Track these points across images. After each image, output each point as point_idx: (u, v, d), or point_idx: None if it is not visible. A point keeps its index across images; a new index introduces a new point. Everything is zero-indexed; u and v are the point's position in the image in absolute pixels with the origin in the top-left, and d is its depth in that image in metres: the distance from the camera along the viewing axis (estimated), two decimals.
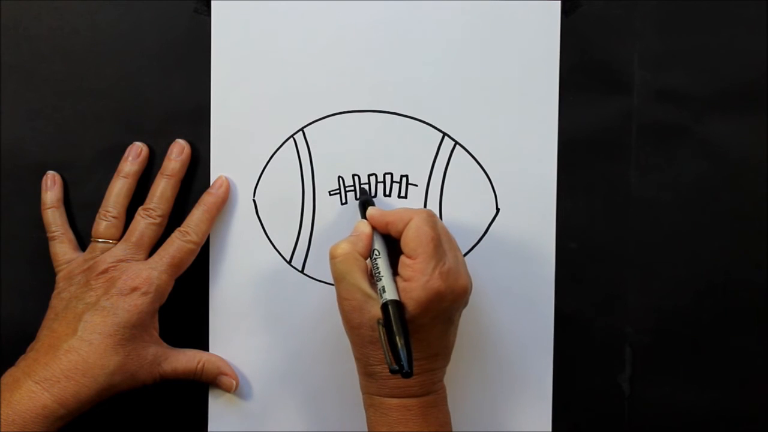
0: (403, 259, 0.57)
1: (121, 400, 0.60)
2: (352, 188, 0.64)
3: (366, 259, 0.58)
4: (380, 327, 0.55)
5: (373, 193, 0.64)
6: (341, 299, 0.58)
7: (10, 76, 0.64)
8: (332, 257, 0.58)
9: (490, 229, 0.64)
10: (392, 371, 0.53)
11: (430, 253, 0.55)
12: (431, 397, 0.58)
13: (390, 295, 0.55)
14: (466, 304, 0.58)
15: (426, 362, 0.57)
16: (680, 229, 0.64)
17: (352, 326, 0.58)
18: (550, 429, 0.65)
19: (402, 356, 0.53)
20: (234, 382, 0.64)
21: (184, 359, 0.62)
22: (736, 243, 0.64)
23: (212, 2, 0.63)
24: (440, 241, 0.56)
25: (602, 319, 0.65)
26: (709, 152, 0.64)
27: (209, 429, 0.65)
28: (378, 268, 0.57)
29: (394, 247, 0.59)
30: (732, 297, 0.64)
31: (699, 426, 0.65)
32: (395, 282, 0.56)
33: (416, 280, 0.55)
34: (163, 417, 0.65)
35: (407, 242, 0.56)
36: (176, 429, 0.65)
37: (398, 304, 0.55)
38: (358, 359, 0.59)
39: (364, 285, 0.57)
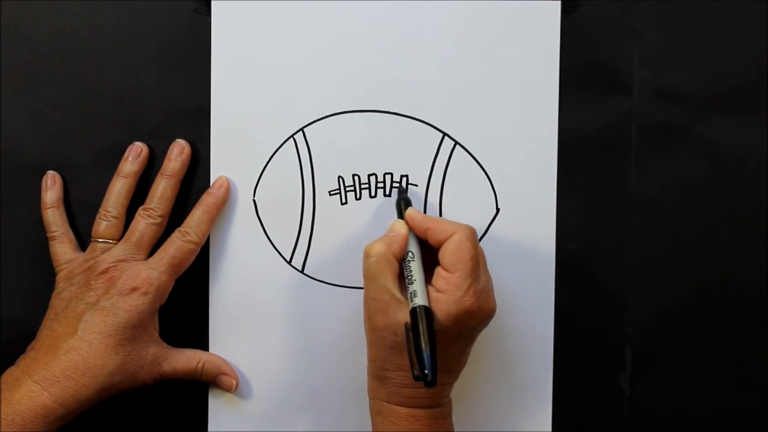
0: (439, 270, 0.57)
1: (121, 400, 0.60)
2: (352, 188, 0.64)
3: (399, 260, 0.58)
4: (407, 332, 0.55)
5: (373, 194, 0.64)
6: (368, 299, 0.58)
7: (10, 76, 0.64)
8: (366, 256, 0.58)
9: (490, 229, 0.64)
10: (416, 378, 0.53)
11: (469, 270, 0.56)
12: (439, 410, 0.59)
13: (420, 300, 0.55)
14: (486, 325, 0.59)
15: (440, 376, 0.56)
16: (680, 229, 0.64)
17: (374, 327, 0.58)
18: (550, 429, 0.65)
19: (427, 364, 0.53)
20: (234, 382, 0.64)
21: (184, 359, 0.62)
22: (736, 243, 0.64)
23: (212, 2, 0.63)
24: (479, 261, 0.57)
25: (602, 319, 0.65)
26: (709, 152, 0.64)
27: (209, 429, 0.65)
28: (411, 271, 0.57)
29: (426, 249, 0.59)
30: (732, 297, 0.64)
31: (699, 426, 0.65)
32: (426, 288, 0.56)
33: (450, 294, 0.55)
34: (163, 417, 0.65)
35: (447, 255, 0.56)
36: (176, 429, 0.65)
37: (428, 311, 0.55)
38: (373, 361, 0.59)
39: (394, 288, 0.57)
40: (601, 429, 0.65)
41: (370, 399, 0.60)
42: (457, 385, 0.60)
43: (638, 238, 0.64)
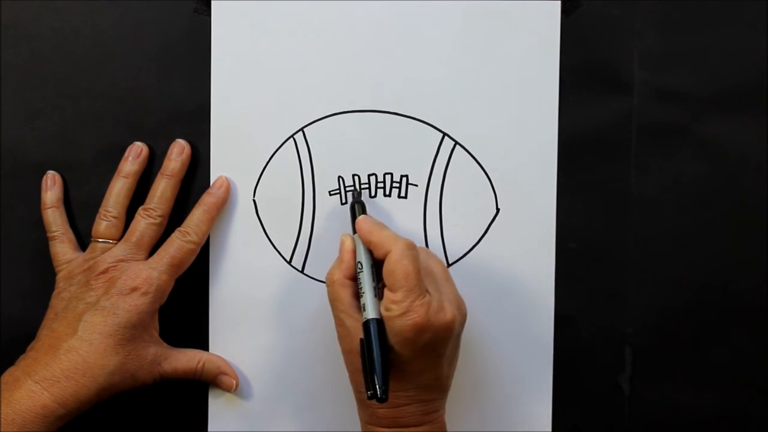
0: (385, 288, 0.56)
1: (121, 400, 0.60)
2: (352, 188, 0.64)
3: (353, 278, 0.58)
4: (361, 347, 0.54)
5: (373, 194, 0.64)
6: (336, 326, 0.58)
7: (10, 76, 0.64)
8: (327, 285, 0.59)
9: (490, 229, 0.64)
10: (369, 397, 0.53)
11: (410, 287, 0.54)
12: (425, 428, 0.57)
13: (370, 313, 0.55)
14: (458, 335, 0.57)
15: (416, 393, 0.57)
16: (680, 229, 0.64)
17: (344, 352, 0.58)
18: (550, 429, 0.65)
19: (376, 379, 0.52)
20: (234, 382, 0.64)
21: (184, 359, 0.62)
22: (736, 243, 0.64)
23: (212, 2, 0.63)
24: (420, 275, 0.55)
25: (602, 319, 0.65)
26: (709, 152, 0.64)
27: (209, 429, 0.65)
28: (360, 283, 0.57)
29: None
30: (732, 297, 0.64)
31: (699, 426, 0.65)
32: (377, 298, 0.56)
33: (395, 312, 0.54)
34: (163, 417, 0.65)
35: (386, 275, 0.56)
36: (176, 429, 0.65)
37: (378, 323, 0.54)
38: (352, 385, 0.59)
39: (352, 310, 0.57)
40: (601, 429, 0.65)
41: (360, 421, 0.60)
42: (456, 384, 0.60)
43: (638, 238, 0.64)
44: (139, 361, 0.60)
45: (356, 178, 0.64)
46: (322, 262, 0.64)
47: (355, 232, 0.60)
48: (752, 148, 0.64)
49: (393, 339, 0.55)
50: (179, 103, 0.64)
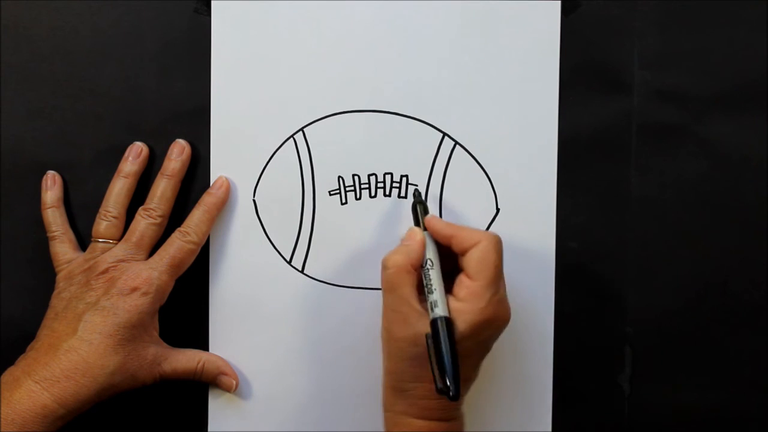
0: (462, 277, 0.56)
1: (121, 400, 0.60)
2: (352, 188, 0.64)
3: (418, 269, 0.58)
4: (429, 343, 0.54)
5: (373, 194, 0.64)
6: (388, 310, 0.57)
7: (10, 76, 0.64)
8: (384, 267, 0.58)
9: (490, 229, 0.64)
10: (439, 391, 0.53)
11: (492, 279, 0.55)
12: (455, 423, 0.58)
13: (441, 311, 0.55)
14: (500, 334, 0.58)
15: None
16: (680, 229, 0.64)
17: (393, 338, 0.57)
18: (549, 429, 0.65)
19: (450, 376, 0.53)
20: (234, 382, 0.64)
21: (184, 359, 0.62)
22: (736, 243, 0.64)
23: (212, 2, 0.63)
24: (501, 270, 0.56)
25: (602, 319, 0.65)
26: (709, 152, 0.64)
27: (209, 429, 0.65)
28: (430, 280, 0.57)
29: (442, 257, 0.58)
30: (732, 297, 0.64)
31: (699, 426, 0.65)
32: (446, 297, 0.56)
33: (472, 303, 0.55)
34: (163, 417, 0.65)
35: (471, 263, 0.56)
36: (176, 429, 0.66)
37: (449, 322, 0.55)
38: (391, 373, 0.58)
39: (413, 299, 0.56)
40: (601, 429, 0.65)
41: (386, 412, 0.59)
42: None
43: (638, 238, 0.64)
44: (139, 361, 0.60)
45: (356, 178, 0.64)
46: (322, 262, 0.64)
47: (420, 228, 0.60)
48: (752, 148, 0.64)
49: (462, 328, 0.55)
50: (179, 103, 0.64)
